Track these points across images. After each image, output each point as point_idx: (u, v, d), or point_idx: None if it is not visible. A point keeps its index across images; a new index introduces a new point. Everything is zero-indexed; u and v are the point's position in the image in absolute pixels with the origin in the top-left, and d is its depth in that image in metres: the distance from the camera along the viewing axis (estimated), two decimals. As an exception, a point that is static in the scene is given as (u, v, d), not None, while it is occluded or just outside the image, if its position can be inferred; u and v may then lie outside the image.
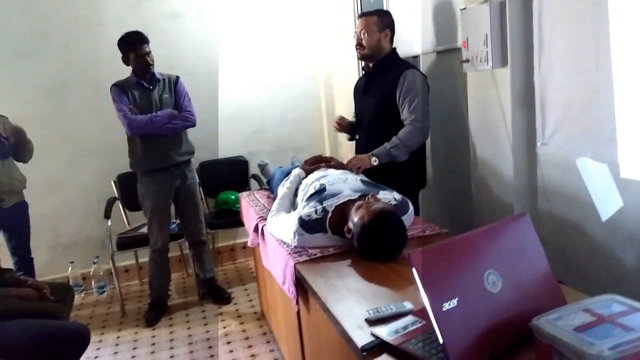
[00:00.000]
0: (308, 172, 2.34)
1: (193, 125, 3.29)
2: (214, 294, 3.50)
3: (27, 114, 3.62)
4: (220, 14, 4.03)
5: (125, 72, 3.25)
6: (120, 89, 3.14)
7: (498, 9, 2.05)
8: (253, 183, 4.09)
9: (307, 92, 4.32)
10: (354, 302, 1.45)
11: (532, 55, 1.98)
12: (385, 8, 3.20)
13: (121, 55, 3.14)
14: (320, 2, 4.18)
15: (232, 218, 3.71)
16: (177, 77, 3.30)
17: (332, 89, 4.34)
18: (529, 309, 1.14)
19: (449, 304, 1.07)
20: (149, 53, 3.12)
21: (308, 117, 4.37)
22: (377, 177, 2.31)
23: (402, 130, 2.44)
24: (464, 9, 2.23)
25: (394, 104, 2.49)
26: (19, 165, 3.19)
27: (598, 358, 0.92)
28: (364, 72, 2.76)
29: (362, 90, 2.72)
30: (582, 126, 1.82)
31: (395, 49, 2.61)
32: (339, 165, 2.44)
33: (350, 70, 3.86)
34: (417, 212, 2.45)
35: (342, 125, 2.81)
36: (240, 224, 3.58)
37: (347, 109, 4.08)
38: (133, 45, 3.07)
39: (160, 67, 3.32)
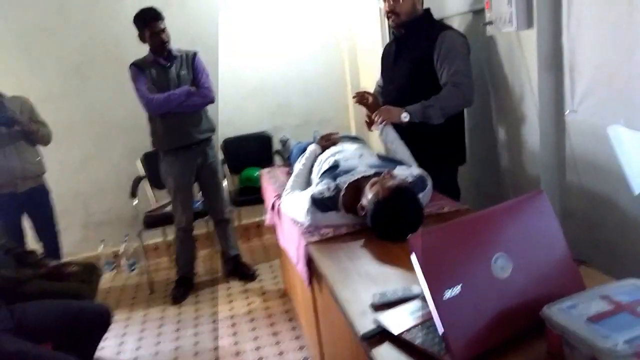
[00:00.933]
0: (324, 148, 2.26)
1: (212, 101, 3.24)
2: (239, 271, 3.52)
3: (53, 93, 3.68)
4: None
5: (145, 47, 3.21)
6: (138, 68, 3.12)
7: (522, -35, 1.89)
8: (277, 159, 4.04)
9: (330, 63, 4.20)
10: (362, 286, 1.39)
11: (560, 15, 1.82)
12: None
13: (137, 33, 3.10)
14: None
15: (256, 195, 3.67)
16: (195, 53, 3.24)
17: (357, 59, 4.19)
18: (542, 296, 1.05)
19: (451, 292, 1.00)
20: (164, 30, 3.07)
21: (333, 90, 4.26)
22: (412, 150, 2.15)
23: (442, 90, 2.18)
24: (486, -34, 2.06)
25: (431, 69, 2.24)
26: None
27: (611, 352, 0.83)
28: (394, 37, 2.49)
29: (392, 57, 2.46)
30: (615, 91, 1.66)
31: (429, 9, 2.34)
32: (374, 105, 2.32)
33: (374, 39, 3.71)
34: (455, 191, 2.35)
35: (370, 105, 2.44)
36: (262, 201, 3.57)
37: (372, 79, 3.94)
38: (147, 22, 3.03)
39: (182, 42, 3.27)
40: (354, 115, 4.27)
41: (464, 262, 1.03)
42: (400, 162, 2.00)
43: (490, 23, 2.10)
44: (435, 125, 2.17)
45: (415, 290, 1.28)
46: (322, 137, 2.36)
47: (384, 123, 2.20)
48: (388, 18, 2.35)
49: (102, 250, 3.90)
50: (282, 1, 4.01)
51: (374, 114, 2.23)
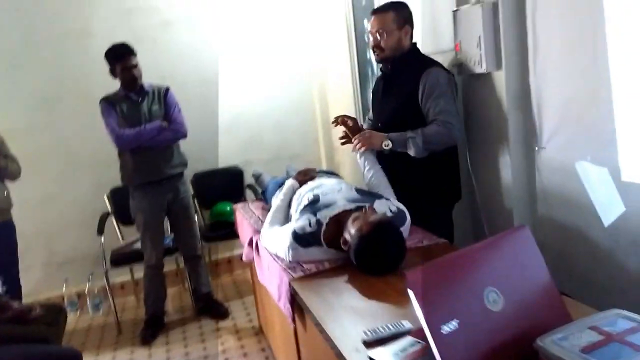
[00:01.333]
0: (302, 183, 2.28)
1: (184, 136, 3.23)
2: (211, 309, 3.44)
3: (19, 127, 3.58)
4: (213, 22, 3.99)
5: (116, 82, 3.19)
6: (108, 103, 3.09)
7: (491, 10, 2.00)
8: (249, 193, 4.03)
9: (301, 99, 4.27)
10: (350, 322, 1.39)
11: (527, 57, 1.93)
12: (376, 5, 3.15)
13: (109, 68, 3.08)
14: (312, 9, 4.13)
15: (228, 230, 3.64)
16: (167, 88, 3.24)
17: (326, 95, 4.28)
18: (533, 327, 1.09)
19: (449, 326, 1.02)
20: (135, 65, 3.06)
21: (303, 125, 4.32)
22: (405, 186, 2.15)
23: (429, 125, 2.14)
24: (456, 10, 2.18)
25: (416, 106, 2.20)
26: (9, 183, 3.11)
27: (608, 383, 0.86)
28: (381, 73, 2.47)
29: (380, 93, 2.44)
30: (581, 129, 1.77)
31: (415, 44, 2.30)
32: (355, 128, 2.32)
33: (344, 75, 3.81)
34: (449, 229, 2.32)
35: (350, 127, 2.36)
36: (235, 235, 3.53)
37: (341, 111, 4.00)
38: (119, 58, 3.02)
39: (152, 77, 3.26)
40: (324, 150, 4.33)
41: (458, 297, 1.06)
42: (379, 196, 2.03)
43: (461, 64, 2.20)
44: (428, 161, 2.15)
45: (406, 325, 1.29)
46: (300, 172, 2.38)
47: (363, 149, 2.19)
48: (374, 52, 2.34)
49: (66, 290, 3.74)
50: (255, 40, 4.08)
51: (354, 138, 2.22)
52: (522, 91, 2.00)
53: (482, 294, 1.07)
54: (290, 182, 2.30)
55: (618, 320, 1.06)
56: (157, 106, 3.15)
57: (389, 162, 2.26)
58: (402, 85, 2.27)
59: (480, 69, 2.07)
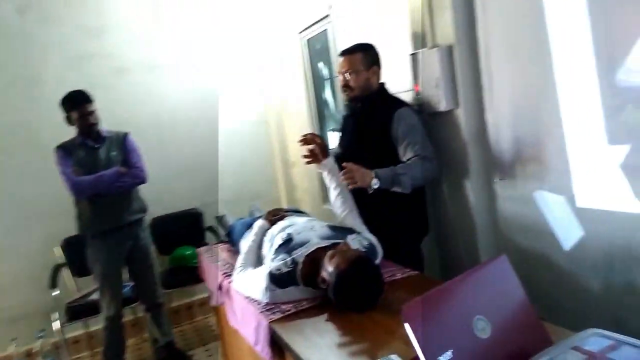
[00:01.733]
0: (272, 223, 2.28)
1: (143, 181, 3.17)
2: (174, 359, 3.30)
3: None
4: (168, 67, 4.00)
5: (69, 130, 3.11)
6: (64, 150, 3.00)
7: (447, 53, 2.14)
8: (209, 236, 3.97)
9: (260, 139, 4.33)
10: (338, 360, 1.39)
11: (482, 95, 2.06)
12: (332, 51, 3.28)
13: (64, 115, 3.01)
14: (268, 52, 4.23)
15: (189, 275, 3.56)
16: (126, 133, 3.19)
17: (285, 135, 4.34)
18: (519, 352, 1.14)
19: (444, 357, 1.05)
20: (93, 112, 3.01)
21: (263, 165, 4.35)
22: (373, 221, 2.14)
23: (413, 161, 2.15)
24: (414, 54, 2.30)
25: (389, 146, 2.25)
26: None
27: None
28: (350, 111, 2.51)
29: (350, 130, 2.49)
30: (537, 160, 1.89)
31: (383, 84, 2.38)
32: (323, 148, 2.23)
33: (302, 114, 3.89)
34: (419, 261, 2.34)
35: (318, 144, 2.26)
36: (197, 280, 3.45)
37: (299, 153, 4.08)
38: (76, 105, 2.96)
39: (108, 124, 3.21)
40: (285, 189, 4.36)
41: (451, 327, 1.09)
42: (350, 231, 2.05)
43: (421, 104, 2.31)
44: (397, 196, 2.16)
45: (395, 359, 1.31)
46: (269, 212, 2.38)
47: (351, 186, 2.11)
48: (343, 92, 2.39)
49: (14, 349, 3.49)
50: (211, 79, 4.12)
51: (342, 173, 2.12)
52: (479, 127, 2.12)
53: (472, 322, 1.12)
54: (260, 223, 2.30)
55: (596, 339, 1.13)
56: (115, 152, 3.09)
57: (355, 195, 2.25)
58: (373, 124, 2.31)
59: (440, 107, 2.19)
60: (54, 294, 3.30)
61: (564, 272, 1.86)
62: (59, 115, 3.10)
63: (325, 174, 2.27)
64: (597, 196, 1.67)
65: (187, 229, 3.96)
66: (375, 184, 2.07)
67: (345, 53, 2.37)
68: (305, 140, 2.27)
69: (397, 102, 2.32)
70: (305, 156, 2.31)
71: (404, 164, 2.17)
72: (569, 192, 1.77)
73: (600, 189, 1.66)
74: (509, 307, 1.21)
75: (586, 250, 1.77)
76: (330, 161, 2.25)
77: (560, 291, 1.87)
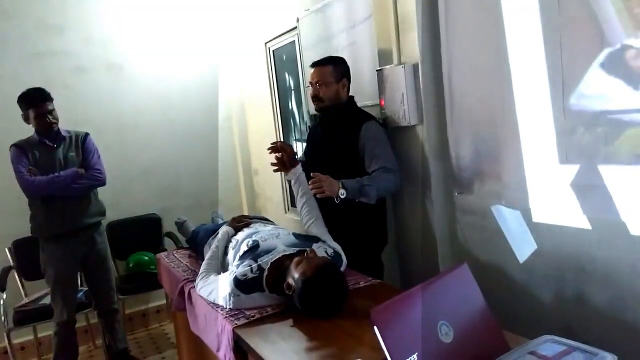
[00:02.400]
0: (237, 229, 2.29)
1: (102, 184, 3.10)
2: (129, 366, 3.23)
3: None
4: (130, 67, 3.93)
5: (24, 128, 3.02)
6: (19, 149, 2.91)
7: (412, 70, 2.22)
8: (167, 242, 3.91)
9: (222, 145, 4.30)
10: (304, 365, 1.42)
11: (444, 111, 2.15)
12: (300, 68, 3.33)
13: (22, 113, 2.92)
14: (234, 55, 4.23)
15: (146, 281, 3.50)
16: (87, 134, 3.12)
17: (248, 141, 4.35)
18: (480, 356, 1.20)
19: (411, 360, 1.10)
20: (51, 111, 2.93)
21: (224, 171, 4.33)
22: (336, 231, 2.19)
23: (378, 173, 2.23)
24: (380, 70, 2.38)
25: (354, 157, 2.31)
26: None
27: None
28: (318, 121, 2.59)
29: (318, 139, 2.54)
30: (494, 176, 1.99)
31: (352, 97, 2.45)
32: (291, 155, 2.28)
33: (266, 122, 3.92)
34: (380, 272, 2.39)
35: (287, 152, 2.31)
36: (154, 287, 3.40)
37: (262, 162, 4.11)
38: (33, 103, 2.88)
39: (65, 123, 3.13)
40: (246, 197, 4.35)
41: (416, 332, 1.14)
42: (315, 239, 2.09)
43: (386, 118, 2.39)
44: (359, 206, 2.23)
45: (361, 364, 1.35)
46: (234, 219, 2.39)
47: (320, 195, 2.15)
48: (313, 102, 2.45)
49: (-46, 356, 3.33)
50: (175, 83, 4.08)
51: (310, 182, 2.17)
52: (441, 142, 2.21)
53: (436, 327, 1.17)
54: (225, 229, 2.30)
55: (550, 345, 1.21)
56: (74, 153, 3.02)
57: (319, 205, 2.30)
58: (340, 134, 2.38)
59: (404, 122, 2.27)
60: (1, 298, 3.15)
61: (518, 283, 1.96)
62: (14, 112, 3.00)
63: (292, 182, 2.30)
64: (550, 212, 1.78)
65: (145, 235, 3.89)
66: (342, 193, 2.14)
67: (316, 64, 2.43)
68: (274, 148, 2.31)
69: (365, 115, 2.40)
70: (274, 164, 2.35)
71: (370, 176, 2.24)
72: (525, 207, 1.87)
73: (553, 205, 1.76)
74: (470, 313, 1.27)
75: (539, 263, 1.87)
76: (298, 169, 2.30)
77: (514, 301, 1.96)
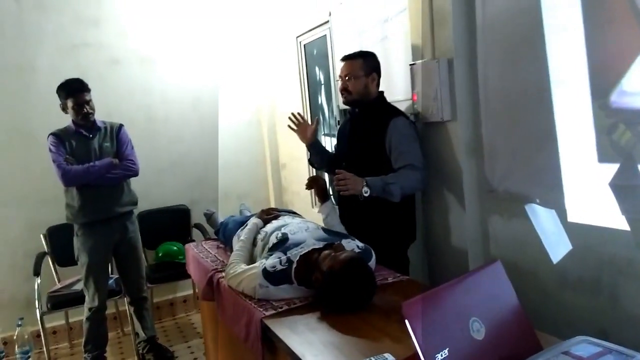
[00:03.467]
0: (266, 222, 2.30)
1: (135, 174, 3.16)
2: (156, 353, 3.29)
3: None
4: (162, 60, 3.99)
5: (59, 119, 3.10)
6: (57, 138, 2.99)
7: (446, 66, 2.19)
8: (195, 233, 3.96)
9: (251, 139, 4.34)
10: (332, 357, 1.42)
11: (479, 108, 2.11)
12: (330, 62, 3.33)
13: (59, 103, 2.99)
14: (265, 49, 4.26)
15: (174, 271, 3.56)
16: (121, 125, 3.19)
17: (276, 135, 4.36)
18: (511, 355, 1.18)
19: (441, 355, 1.08)
20: (88, 101, 3.00)
21: (252, 165, 4.36)
22: (363, 228, 2.22)
23: (403, 171, 2.23)
24: (413, 64, 2.35)
25: (381, 154, 2.31)
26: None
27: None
28: (349, 116, 2.61)
29: (347, 134, 2.54)
30: (529, 174, 1.94)
31: (382, 93, 2.44)
32: (322, 194, 2.40)
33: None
34: (406, 268, 2.39)
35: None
36: (182, 276, 3.45)
37: (290, 156, 4.13)
38: (72, 93, 2.95)
39: (98, 115, 3.19)
40: (273, 190, 4.37)
41: (448, 327, 1.13)
42: (345, 235, 2.10)
43: (418, 113, 2.36)
44: (387, 203, 2.22)
45: (389, 358, 1.34)
46: (263, 211, 2.40)
47: (346, 193, 2.16)
48: (342, 95, 2.45)
49: (-9, 336, 3.44)
50: (205, 77, 4.12)
51: (335, 178, 2.19)
52: (474, 139, 2.18)
53: (468, 323, 1.16)
54: (254, 220, 2.32)
55: (585, 346, 1.18)
56: (108, 143, 3.09)
57: (346, 201, 2.37)
58: (368, 130, 2.38)
59: (437, 118, 2.24)
60: (37, 282, 3.24)
61: (551, 284, 1.92)
62: (50, 103, 3.09)
63: (323, 218, 2.39)
64: (587, 212, 1.73)
65: (174, 225, 3.95)
66: (366, 192, 2.15)
67: (346, 58, 2.43)
68: (308, 185, 2.51)
69: (394, 111, 2.39)
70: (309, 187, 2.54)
71: (395, 174, 2.23)
72: (560, 206, 1.82)
73: (590, 204, 1.71)
74: (502, 311, 1.25)
75: (574, 264, 1.82)
76: (328, 205, 2.39)
77: (547, 302, 1.92)
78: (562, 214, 1.83)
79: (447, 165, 2.29)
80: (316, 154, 2.75)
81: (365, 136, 2.40)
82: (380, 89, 2.44)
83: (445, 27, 2.20)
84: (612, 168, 1.65)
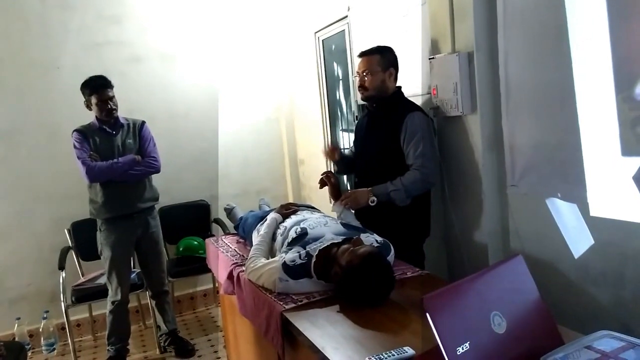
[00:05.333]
0: (285, 216, 2.32)
1: (157, 171, 3.21)
2: (177, 346, 3.34)
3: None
4: (182, 57, 4.03)
5: (83, 116, 3.16)
6: (81, 134, 3.04)
7: (466, 59, 2.18)
8: (215, 227, 4.01)
9: (269, 135, 4.36)
10: (352, 350, 1.43)
11: (499, 102, 2.09)
12: (349, 57, 3.32)
13: (83, 100, 3.05)
14: (283, 45, 4.27)
15: (195, 265, 3.61)
16: (143, 122, 3.24)
17: (294, 132, 4.38)
18: (532, 348, 1.18)
19: (462, 348, 1.08)
20: (112, 98, 3.05)
21: (271, 160, 4.39)
22: (376, 226, 2.20)
23: (407, 174, 2.27)
24: (433, 58, 2.34)
25: (397, 148, 2.33)
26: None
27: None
28: (366, 111, 2.61)
29: (364, 130, 2.55)
30: (551, 168, 1.92)
31: (400, 87, 2.44)
32: (335, 192, 2.42)
33: (314, 114, 3.93)
34: (422, 263, 2.39)
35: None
36: (202, 271, 3.50)
37: (308, 152, 4.14)
38: (95, 89, 3.01)
39: (120, 111, 3.24)
40: (292, 186, 4.39)
41: (469, 321, 1.13)
42: (363, 229, 2.10)
43: (437, 107, 2.35)
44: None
45: (409, 351, 1.34)
46: (282, 206, 2.42)
47: (347, 206, 2.32)
48: (359, 91, 2.46)
49: (17, 329, 3.53)
50: (225, 76, 4.16)
51: (342, 198, 2.35)
52: (495, 133, 2.16)
53: (489, 317, 1.15)
54: (273, 215, 2.34)
55: (608, 340, 1.17)
56: (131, 140, 3.14)
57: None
58: (386, 125, 2.39)
59: (456, 112, 2.23)
60: (62, 276, 3.32)
61: (572, 279, 1.90)
62: (74, 99, 3.14)
63: (337, 214, 2.40)
64: (610, 206, 1.71)
65: (194, 220, 4.00)
66: (372, 201, 2.28)
67: (363, 54, 2.43)
68: (322, 182, 2.59)
69: (412, 106, 2.38)
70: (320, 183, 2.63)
71: (400, 178, 2.28)
72: (583, 200, 1.80)
73: (613, 198, 1.69)
74: (524, 305, 1.25)
75: (596, 259, 1.80)
76: (340, 206, 2.38)
77: (568, 297, 1.90)
78: (584, 208, 1.81)
79: (467, 159, 2.28)
80: (344, 166, 2.77)
81: (382, 131, 2.40)
82: (399, 83, 2.43)
83: (466, 21, 2.18)
84: (636, 161, 1.62)
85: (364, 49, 2.44)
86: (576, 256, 1.86)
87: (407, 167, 2.29)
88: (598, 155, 1.73)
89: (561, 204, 1.91)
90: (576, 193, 1.81)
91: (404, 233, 2.34)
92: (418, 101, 2.54)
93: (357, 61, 2.46)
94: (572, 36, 1.76)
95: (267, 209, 2.98)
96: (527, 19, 1.94)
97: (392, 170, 2.30)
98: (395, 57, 2.41)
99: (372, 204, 2.26)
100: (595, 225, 1.79)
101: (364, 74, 2.38)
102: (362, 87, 2.41)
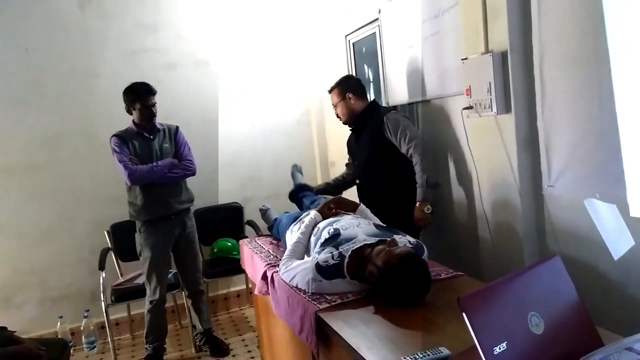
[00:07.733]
0: (325, 216, 2.32)
1: (193, 174, 3.29)
2: (212, 345, 3.41)
3: (20, 164, 3.61)
4: (216, 64, 4.12)
5: (119, 121, 3.26)
6: (120, 139, 3.14)
7: (500, 59, 2.16)
8: (248, 229, 4.07)
9: (300, 138, 4.40)
10: (387, 350, 1.44)
11: (534, 102, 2.07)
12: (380, 59, 3.33)
13: (125, 105, 3.15)
14: (314, 49, 4.31)
15: (229, 266, 3.67)
16: (177, 127, 3.33)
17: (325, 135, 4.41)
18: (571, 350, 1.16)
19: (499, 348, 1.08)
20: (154, 104, 3.15)
21: (302, 162, 4.38)
22: (384, 216, 2.35)
23: (416, 166, 2.59)
24: (465, 58, 2.33)
25: (385, 143, 2.69)
26: None
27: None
28: (351, 129, 3.00)
29: (353, 142, 2.99)
30: (589, 168, 1.89)
31: (374, 101, 2.92)
32: (350, 207, 2.47)
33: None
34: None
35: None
36: (236, 271, 3.55)
37: (339, 154, 4.15)
38: (141, 96, 3.10)
39: (157, 117, 3.34)
40: (323, 188, 4.41)
41: (506, 321, 1.13)
42: (396, 231, 2.10)
43: (471, 107, 2.34)
44: (394, 192, 2.69)
45: (444, 352, 1.34)
46: (326, 205, 2.41)
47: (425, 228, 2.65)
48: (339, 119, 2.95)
49: (60, 327, 3.66)
50: (256, 80, 4.23)
51: (416, 219, 2.63)
52: (530, 133, 2.13)
53: (527, 318, 1.15)
54: (313, 215, 2.33)
55: (650, 342, 1.14)
56: (167, 144, 3.23)
57: (368, 195, 2.78)
58: (369, 131, 2.79)
59: (490, 112, 2.21)
60: (102, 276, 3.43)
61: (612, 281, 1.86)
62: (112, 106, 3.25)
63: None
64: (651, 206, 1.67)
65: (228, 222, 4.07)
66: (428, 209, 2.58)
67: (329, 91, 2.95)
68: (333, 212, 2.60)
69: (385, 110, 2.81)
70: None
71: (418, 171, 2.59)
72: (622, 201, 1.76)
73: (654, 198, 1.65)
74: (562, 306, 1.23)
75: (636, 260, 1.76)
76: (360, 209, 2.44)
77: (607, 299, 1.86)
78: (624, 208, 1.77)
79: (501, 159, 2.25)
80: (340, 188, 3.23)
81: (367, 140, 2.79)
82: (432, 84, 2.47)
83: (499, 20, 2.16)
84: (679, 160, 1.58)
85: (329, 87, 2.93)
86: (616, 257, 1.82)
87: (402, 155, 2.65)
88: (638, 155, 1.69)
89: (600, 205, 1.87)
90: (615, 193, 1.78)
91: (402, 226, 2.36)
92: (451, 101, 2.56)
93: (386, 65, 2.81)
94: (610, 35, 1.73)
95: (300, 177, 3.30)
96: (563, 17, 1.92)
97: (386, 165, 2.71)
98: (353, 82, 2.92)
99: (429, 211, 2.58)
100: (636, 226, 1.75)
101: (334, 107, 2.92)
102: (337, 116, 2.94)
